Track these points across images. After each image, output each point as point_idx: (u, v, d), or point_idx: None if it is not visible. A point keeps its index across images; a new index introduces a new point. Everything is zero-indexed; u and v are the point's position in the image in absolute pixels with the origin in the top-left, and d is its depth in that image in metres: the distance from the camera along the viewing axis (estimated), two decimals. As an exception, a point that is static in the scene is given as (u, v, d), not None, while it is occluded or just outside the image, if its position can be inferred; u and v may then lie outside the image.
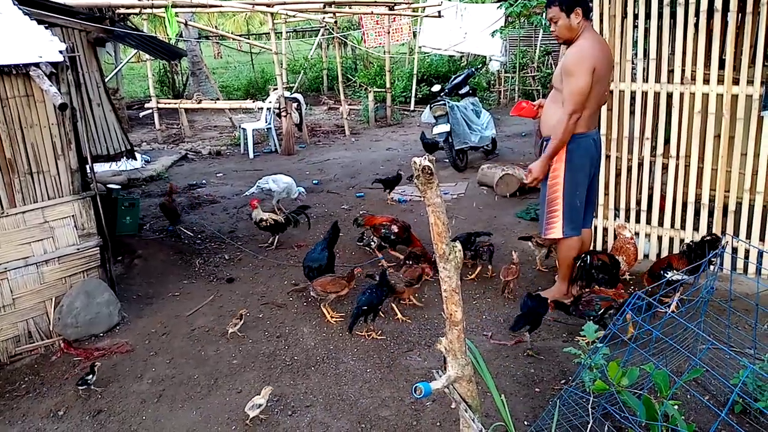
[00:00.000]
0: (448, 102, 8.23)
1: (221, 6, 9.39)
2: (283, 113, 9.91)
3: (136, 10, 8.62)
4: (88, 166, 4.46)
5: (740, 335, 3.48)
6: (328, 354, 3.77)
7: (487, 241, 4.74)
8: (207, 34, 18.80)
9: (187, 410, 3.32)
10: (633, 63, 4.65)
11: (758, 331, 3.30)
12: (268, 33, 10.80)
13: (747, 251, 4.34)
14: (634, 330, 3.33)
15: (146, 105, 11.94)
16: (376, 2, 11.84)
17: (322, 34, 16.52)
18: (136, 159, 7.68)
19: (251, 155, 9.87)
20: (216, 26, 22.84)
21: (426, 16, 13.49)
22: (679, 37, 4.31)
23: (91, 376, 3.47)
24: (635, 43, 4.71)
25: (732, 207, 4.37)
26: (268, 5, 9.73)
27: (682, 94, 4.37)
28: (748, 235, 4.31)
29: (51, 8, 5.08)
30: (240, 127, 10.54)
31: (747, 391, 2.85)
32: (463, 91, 8.81)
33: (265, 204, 6.41)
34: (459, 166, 8.21)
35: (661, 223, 4.70)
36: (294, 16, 12.18)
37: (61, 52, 3.86)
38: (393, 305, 4.19)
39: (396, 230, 5.06)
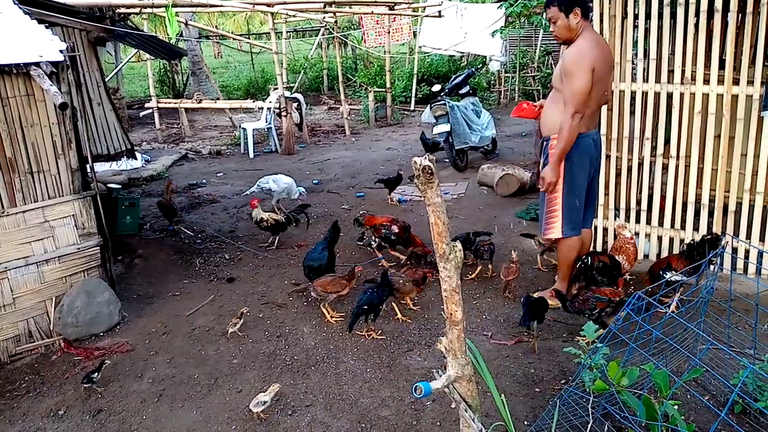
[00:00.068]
0: (449, 102, 8.23)
1: (221, 6, 9.39)
2: (284, 113, 9.91)
3: (137, 10, 8.61)
4: (88, 166, 4.46)
5: (740, 335, 3.48)
6: (328, 354, 3.77)
7: (488, 240, 4.74)
8: (207, 34, 18.81)
9: (187, 410, 3.32)
10: (633, 63, 4.65)
11: (758, 332, 3.30)
12: (269, 33, 10.81)
13: (747, 251, 4.35)
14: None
15: (146, 104, 11.94)
16: (376, 2, 11.84)
17: (323, 34, 16.53)
18: (136, 158, 7.69)
19: (251, 155, 9.88)
20: (216, 26, 22.83)
21: (426, 16, 13.49)
22: (680, 38, 4.31)
23: (96, 374, 3.48)
24: (635, 44, 4.71)
25: (732, 207, 4.37)
26: (268, 5, 9.73)
27: (682, 95, 4.37)
28: (748, 236, 4.32)
29: (51, 7, 5.08)
30: (240, 126, 10.54)
31: (747, 391, 2.85)
32: (463, 91, 8.81)
33: (265, 204, 6.41)
34: (459, 166, 8.21)
35: (661, 223, 4.70)
36: (294, 16, 12.18)
37: (61, 51, 3.86)
38: (393, 305, 4.19)
39: (396, 230, 5.06)
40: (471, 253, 4.72)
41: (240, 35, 19.99)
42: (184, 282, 5.01)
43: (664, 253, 4.66)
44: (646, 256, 4.78)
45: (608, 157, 4.74)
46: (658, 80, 4.45)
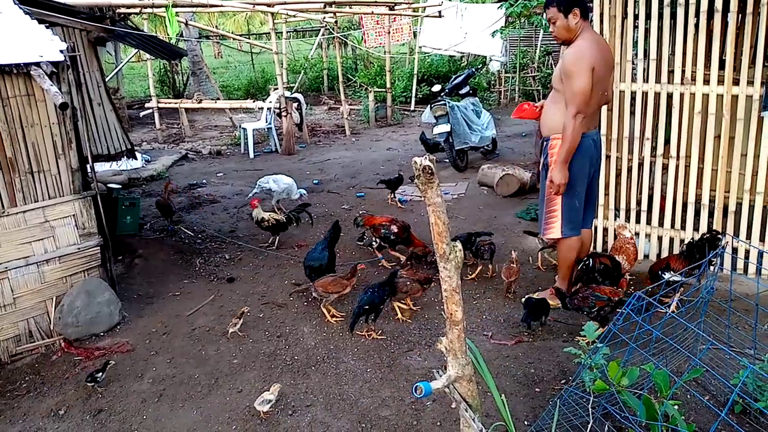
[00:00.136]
0: (449, 102, 8.23)
1: (222, 6, 9.39)
2: (284, 113, 9.91)
3: (137, 10, 8.61)
4: (88, 166, 4.46)
5: (740, 335, 3.48)
6: (328, 354, 3.77)
7: (488, 240, 4.74)
8: (207, 34, 18.81)
9: (187, 410, 3.33)
10: (633, 63, 4.65)
11: (758, 332, 3.30)
12: (269, 33, 10.81)
13: (747, 251, 4.35)
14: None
15: (146, 104, 11.93)
16: (376, 2, 11.84)
17: (323, 34, 16.53)
18: (136, 158, 7.68)
19: (251, 155, 9.88)
20: (216, 26, 22.83)
21: (426, 16, 13.50)
22: (680, 38, 4.31)
23: (101, 374, 3.50)
24: (635, 44, 4.72)
25: (732, 207, 4.37)
26: (268, 5, 9.73)
27: (682, 95, 4.37)
28: (748, 236, 4.32)
29: (52, 7, 5.08)
30: (240, 126, 10.54)
31: (747, 391, 2.85)
32: (463, 91, 8.81)
33: (266, 204, 6.41)
34: (459, 166, 8.22)
35: (661, 224, 4.71)
36: (294, 16, 12.19)
37: (61, 51, 3.86)
38: (394, 304, 4.19)
39: (396, 230, 5.06)
40: (471, 253, 4.73)
41: (240, 35, 19.99)
42: (184, 282, 5.01)
43: (664, 254, 4.66)
44: (646, 256, 4.78)
45: (608, 157, 4.75)
46: (658, 80, 4.45)
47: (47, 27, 4.10)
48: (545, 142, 3.90)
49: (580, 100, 3.57)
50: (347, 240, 5.61)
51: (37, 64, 3.71)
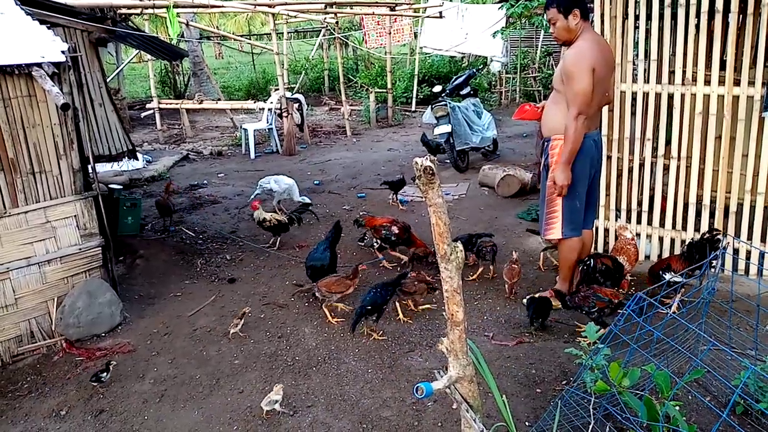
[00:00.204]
0: (450, 103, 8.24)
1: (223, 6, 9.40)
2: (285, 114, 9.92)
3: (138, 11, 8.63)
4: (90, 166, 4.47)
5: (741, 336, 3.48)
6: (329, 354, 3.77)
7: (490, 241, 4.74)
8: (208, 35, 18.83)
9: (189, 410, 3.33)
10: (634, 64, 4.65)
11: (759, 332, 3.30)
12: (270, 33, 10.83)
13: (748, 252, 4.35)
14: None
15: (148, 105, 11.95)
16: (377, 3, 11.85)
17: (324, 35, 16.54)
18: (137, 159, 7.71)
19: (252, 156, 9.88)
20: (217, 27, 22.84)
21: (427, 16, 13.50)
22: (680, 38, 4.31)
23: (105, 373, 3.51)
24: (636, 44, 4.72)
25: (733, 208, 4.37)
26: (269, 6, 9.74)
27: (683, 95, 4.37)
28: (750, 236, 4.31)
29: (53, 8, 5.09)
30: (241, 127, 10.55)
31: (748, 392, 2.85)
32: (464, 91, 8.81)
33: (267, 204, 6.41)
34: (460, 167, 8.21)
35: (662, 224, 4.70)
36: (295, 17, 12.20)
37: (63, 52, 3.87)
38: (397, 305, 4.19)
39: (396, 231, 5.06)
40: (472, 254, 4.73)
41: (241, 36, 20.01)
42: (185, 282, 5.01)
43: (665, 254, 4.66)
44: (647, 257, 4.78)
45: (609, 157, 4.75)
46: (659, 81, 4.45)
47: (49, 28, 4.11)
48: (546, 143, 3.90)
49: (581, 101, 3.57)
50: (348, 241, 5.61)
51: (39, 65, 3.71)
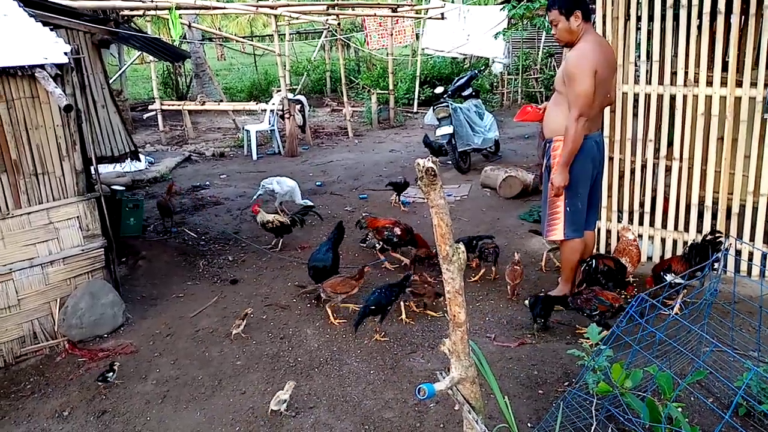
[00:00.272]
0: (451, 104, 8.24)
1: (225, 8, 9.42)
2: (287, 115, 9.93)
3: (140, 12, 8.65)
4: (92, 168, 4.48)
5: (744, 338, 3.48)
6: (331, 355, 3.78)
7: (492, 243, 4.74)
8: (210, 36, 18.86)
9: (191, 411, 3.33)
10: (636, 65, 4.65)
11: (762, 334, 3.29)
12: (272, 35, 10.84)
13: (751, 253, 4.34)
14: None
15: (150, 107, 11.97)
16: (379, 4, 11.87)
17: (326, 36, 16.55)
18: (140, 160, 7.70)
19: (254, 157, 9.89)
20: (219, 28, 22.85)
21: (429, 18, 13.51)
22: (682, 40, 4.31)
23: (111, 373, 3.53)
24: (638, 46, 4.72)
25: (735, 209, 4.36)
26: (271, 7, 9.76)
27: (685, 97, 4.37)
28: (752, 238, 4.31)
29: (56, 10, 5.10)
30: (243, 128, 10.56)
31: (751, 393, 2.85)
32: (466, 93, 8.82)
33: (268, 206, 6.42)
34: (462, 168, 8.22)
35: (664, 226, 4.70)
36: (297, 18, 12.20)
37: (66, 53, 3.88)
38: (402, 305, 4.19)
39: (399, 233, 5.06)
40: (475, 257, 4.73)
41: (243, 37, 20.04)
42: (187, 283, 5.02)
43: (668, 256, 4.65)
44: (649, 258, 4.78)
45: (611, 159, 4.74)
46: (661, 82, 4.45)
47: (51, 29, 4.12)
48: (548, 144, 3.90)
49: (583, 102, 3.57)
50: (350, 242, 5.61)
51: (42, 67, 3.73)
